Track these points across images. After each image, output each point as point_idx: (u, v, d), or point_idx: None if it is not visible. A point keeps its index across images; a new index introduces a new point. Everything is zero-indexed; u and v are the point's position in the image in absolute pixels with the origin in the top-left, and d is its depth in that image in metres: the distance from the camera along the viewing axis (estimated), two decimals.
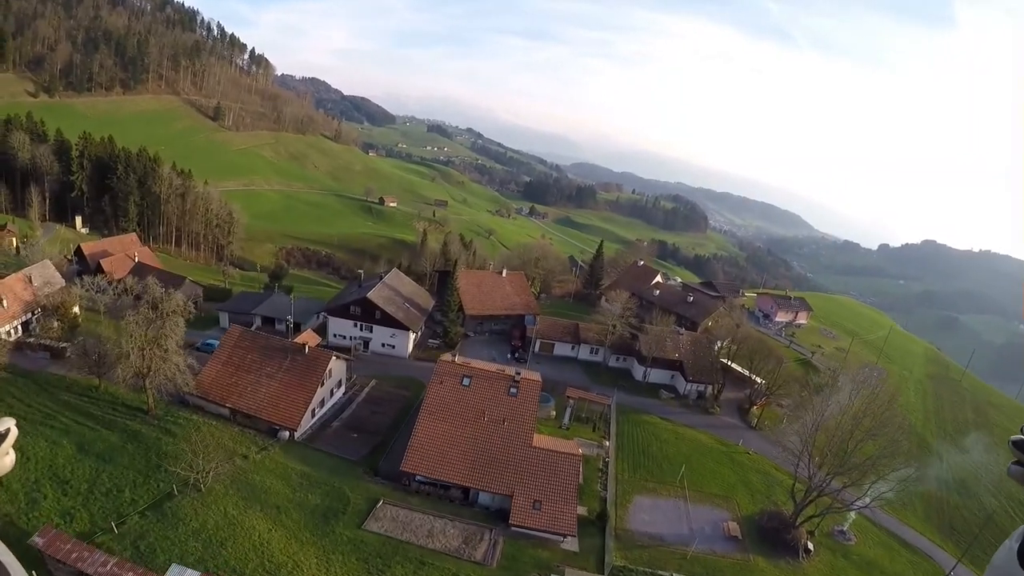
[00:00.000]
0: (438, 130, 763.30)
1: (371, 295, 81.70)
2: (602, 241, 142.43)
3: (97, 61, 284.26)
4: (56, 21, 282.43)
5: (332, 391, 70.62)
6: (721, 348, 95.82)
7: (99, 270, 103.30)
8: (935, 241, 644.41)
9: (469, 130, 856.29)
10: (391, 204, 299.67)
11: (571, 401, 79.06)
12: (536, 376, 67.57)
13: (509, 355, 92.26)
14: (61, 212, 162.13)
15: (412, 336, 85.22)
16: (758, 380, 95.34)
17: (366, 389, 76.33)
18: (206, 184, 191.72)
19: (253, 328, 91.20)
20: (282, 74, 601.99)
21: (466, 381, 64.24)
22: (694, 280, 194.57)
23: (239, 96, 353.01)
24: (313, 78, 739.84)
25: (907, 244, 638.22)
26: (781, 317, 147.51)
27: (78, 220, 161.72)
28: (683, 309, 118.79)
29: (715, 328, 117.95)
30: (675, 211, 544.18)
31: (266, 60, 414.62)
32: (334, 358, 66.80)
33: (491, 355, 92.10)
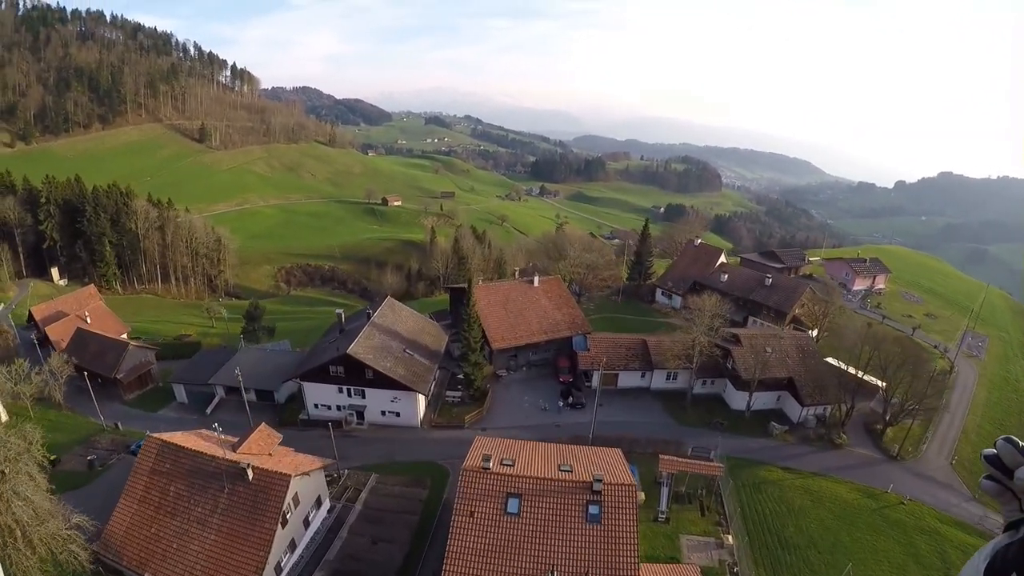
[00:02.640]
0: (436, 121, 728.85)
1: (354, 349, 53.68)
2: (647, 220, 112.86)
3: (71, 100, 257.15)
4: (24, 66, 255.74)
5: (307, 518, 43.05)
6: (861, 352, 65.55)
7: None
8: (951, 172, 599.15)
9: (467, 117, 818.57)
10: (395, 203, 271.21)
11: (666, 476, 50.95)
12: (627, 476, 39.13)
13: (561, 402, 64.04)
14: (40, 265, 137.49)
15: (422, 398, 57.93)
16: (880, 385, 66.73)
17: (363, 495, 48.28)
18: (187, 211, 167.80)
19: (215, 404, 64.63)
20: (272, 87, 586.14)
21: (512, 505, 36.03)
22: (722, 245, 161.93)
23: (224, 114, 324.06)
24: (304, 87, 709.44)
25: (923, 178, 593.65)
26: (859, 284, 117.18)
27: (54, 272, 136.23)
28: (762, 295, 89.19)
29: (807, 317, 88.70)
30: (687, 172, 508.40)
31: (249, 74, 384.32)
32: (295, 479, 38.99)
33: (535, 403, 64.01)
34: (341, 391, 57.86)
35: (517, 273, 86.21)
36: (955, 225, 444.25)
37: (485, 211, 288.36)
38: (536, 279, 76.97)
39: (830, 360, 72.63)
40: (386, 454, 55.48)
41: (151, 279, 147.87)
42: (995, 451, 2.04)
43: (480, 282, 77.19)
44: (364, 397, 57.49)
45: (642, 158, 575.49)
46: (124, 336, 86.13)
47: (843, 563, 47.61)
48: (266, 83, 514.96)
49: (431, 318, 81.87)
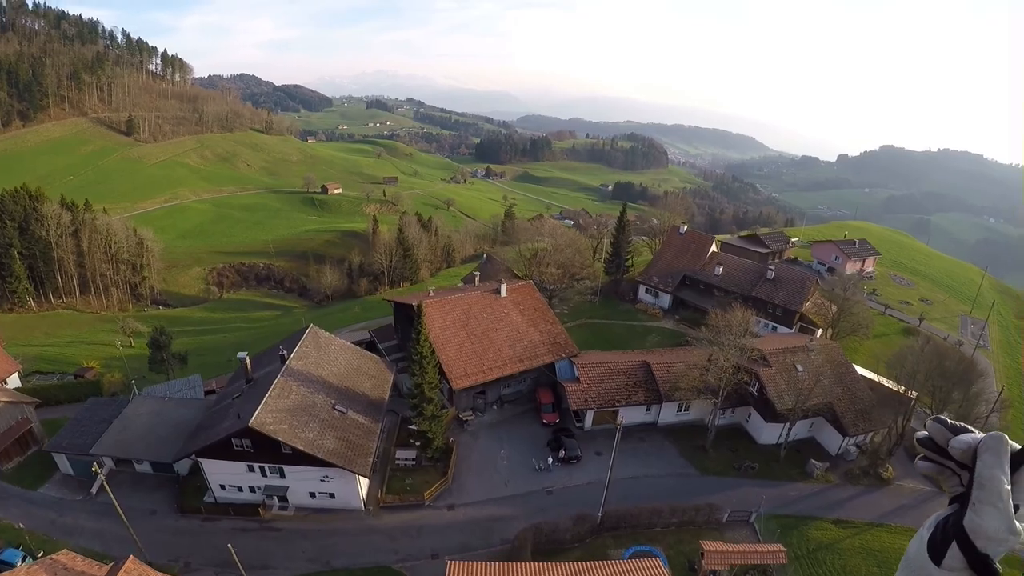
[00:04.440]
0: (378, 105, 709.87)
1: (259, 419, 37.00)
2: (625, 206, 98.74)
3: None
4: None
5: None
6: (916, 373, 53.17)
7: None
8: (893, 146, 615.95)
9: (409, 100, 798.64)
10: (335, 191, 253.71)
11: (707, 571, 37.34)
12: None
13: (551, 458, 48.98)
14: None
15: (359, 478, 41.18)
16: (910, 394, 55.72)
17: None
18: (106, 212, 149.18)
19: (101, 480, 46.80)
20: (209, 75, 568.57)
21: None
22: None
23: (154, 104, 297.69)
24: (242, 74, 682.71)
25: (866, 152, 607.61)
26: (850, 268, 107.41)
27: None
28: (766, 292, 76.58)
29: (817, 316, 77.12)
30: (633, 150, 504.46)
31: (181, 61, 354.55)
32: None
33: (516, 458, 48.66)
34: (252, 469, 41.25)
35: (477, 279, 70.06)
36: (898, 197, 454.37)
37: (430, 195, 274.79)
38: (503, 287, 61.22)
39: (859, 369, 60.96)
40: (319, 555, 39.33)
41: (68, 292, 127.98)
42: (927, 433, 2.12)
43: (432, 293, 60.99)
44: (284, 476, 41.13)
45: (588, 136, 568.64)
46: (14, 376, 67.30)
47: None
48: (203, 71, 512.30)
49: (371, 339, 65.48)
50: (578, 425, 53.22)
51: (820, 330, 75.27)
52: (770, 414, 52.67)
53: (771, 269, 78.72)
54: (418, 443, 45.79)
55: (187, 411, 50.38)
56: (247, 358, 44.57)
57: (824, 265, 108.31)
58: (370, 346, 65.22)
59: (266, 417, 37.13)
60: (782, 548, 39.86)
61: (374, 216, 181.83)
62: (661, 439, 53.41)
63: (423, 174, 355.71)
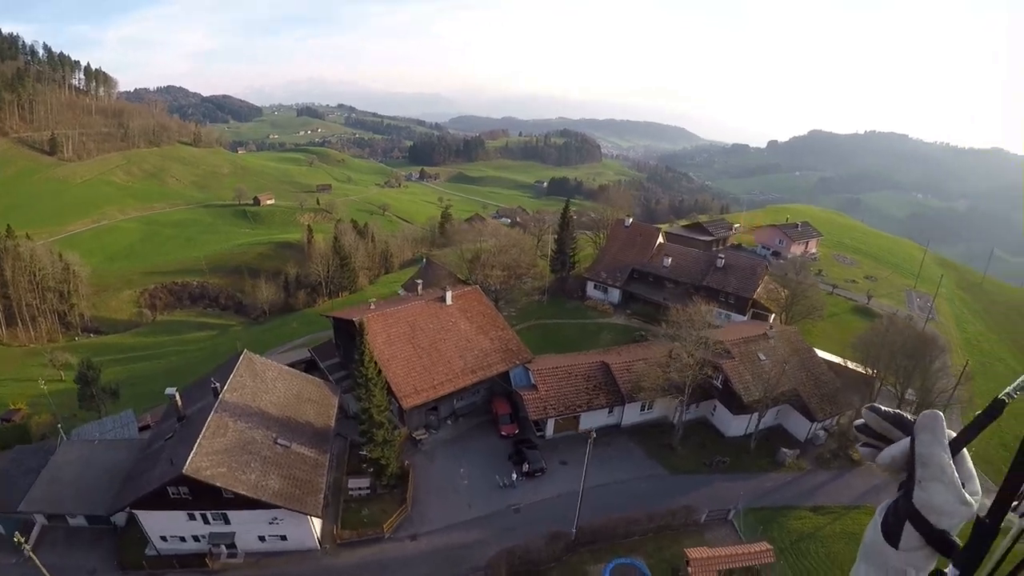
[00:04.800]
0: (308, 112, 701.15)
1: (194, 465, 32.74)
2: (567, 201, 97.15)
3: None
4: None
5: None
6: (880, 354, 53.38)
7: None
8: (821, 130, 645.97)
9: (340, 106, 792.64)
10: (268, 202, 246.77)
11: None
12: None
13: (515, 473, 46.04)
14: None
15: (311, 518, 36.99)
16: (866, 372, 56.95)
17: None
18: (29, 238, 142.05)
19: (32, 538, 41.09)
20: (135, 89, 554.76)
21: None
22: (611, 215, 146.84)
23: (77, 121, 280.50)
24: (169, 86, 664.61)
25: (794, 137, 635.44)
26: (795, 250, 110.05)
27: None
28: (717, 280, 76.59)
29: (769, 301, 77.82)
30: (567, 145, 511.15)
31: (105, 75, 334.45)
32: None
33: (477, 476, 45.78)
34: (193, 517, 36.82)
35: (420, 287, 66.61)
36: (828, 178, 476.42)
37: (365, 201, 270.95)
38: (449, 294, 58.31)
39: (820, 353, 61.41)
40: None
41: None
42: (863, 421, 2.15)
43: (373, 305, 57.22)
44: (228, 522, 36.90)
45: (520, 135, 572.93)
46: None
47: None
48: (129, 85, 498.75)
49: (312, 357, 61.14)
50: (539, 434, 50.87)
51: (773, 315, 76.04)
52: (736, 406, 51.87)
53: (720, 257, 78.84)
54: (371, 469, 42.30)
55: (120, 454, 45.08)
56: (176, 394, 39.82)
57: (768, 249, 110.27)
58: (311, 365, 60.97)
59: (201, 461, 32.96)
60: (768, 546, 38.77)
61: (309, 225, 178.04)
62: (626, 441, 51.73)
63: (357, 180, 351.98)
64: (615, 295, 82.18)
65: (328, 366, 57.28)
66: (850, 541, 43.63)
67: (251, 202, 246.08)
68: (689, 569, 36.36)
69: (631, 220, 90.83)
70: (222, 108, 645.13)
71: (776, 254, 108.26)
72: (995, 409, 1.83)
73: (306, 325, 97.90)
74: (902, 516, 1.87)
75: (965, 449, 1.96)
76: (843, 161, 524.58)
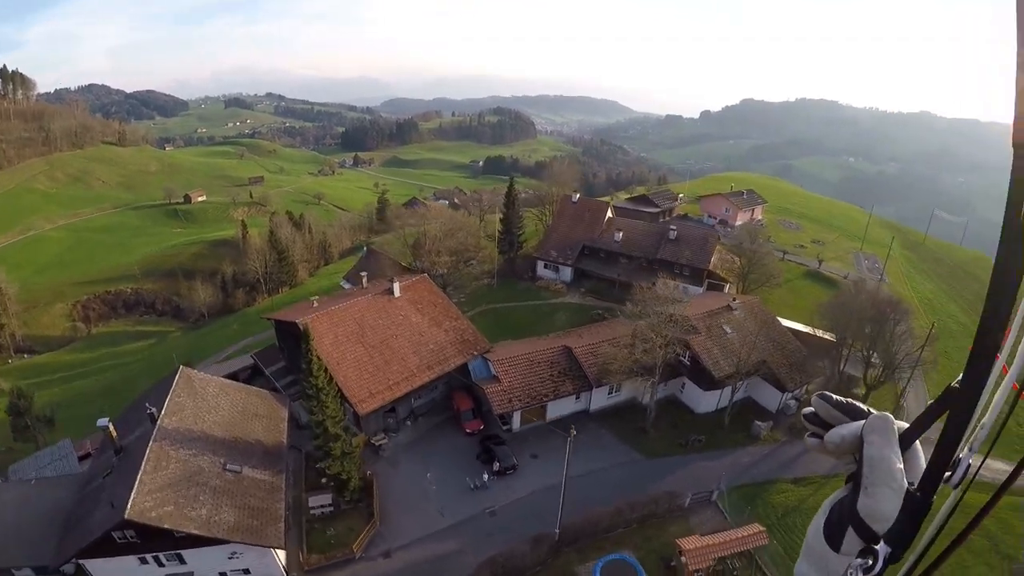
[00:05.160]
0: (237, 103, 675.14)
1: (136, 508, 28.62)
2: (512, 179, 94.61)
3: None
4: None
5: None
6: (850, 322, 53.73)
7: None
8: (752, 99, 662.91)
9: (269, 95, 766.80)
10: (199, 199, 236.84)
11: (693, 573, 34.69)
12: None
13: (486, 474, 43.32)
14: None
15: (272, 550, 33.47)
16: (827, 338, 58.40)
17: None
18: None
19: None
20: (56, 90, 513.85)
21: None
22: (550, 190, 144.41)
23: None
24: (91, 85, 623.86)
25: (727, 106, 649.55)
26: (741, 219, 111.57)
27: None
28: (671, 253, 75.90)
29: (723, 271, 78.17)
30: (501, 123, 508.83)
31: (22, 76, 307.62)
32: None
33: (446, 480, 43.12)
34: (145, 561, 32.78)
35: (365, 279, 62.65)
36: (760, 146, 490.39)
37: (299, 191, 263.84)
38: (396, 285, 55.01)
39: (784, 322, 61.71)
40: None
41: None
42: (812, 410, 2.12)
43: (315, 303, 53.25)
44: (184, 562, 33.04)
45: (454, 115, 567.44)
46: None
47: None
48: (49, 86, 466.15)
49: (255, 363, 56.74)
50: (505, 428, 48.68)
51: (729, 285, 76.40)
52: (706, 382, 51.13)
53: (672, 229, 78.36)
54: (332, 484, 39.10)
55: (60, 493, 39.84)
56: (110, 425, 35.09)
57: (715, 218, 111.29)
58: (255, 372, 56.75)
59: (144, 502, 28.99)
60: (760, 528, 38.00)
61: (242, 221, 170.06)
62: (596, 427, 50.24)
63: (289, 170, 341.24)
64: (567, 273, 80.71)
65: (274, 372, 53.30)
66: None
67: (182, 200, 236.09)
68: (685, 560, 35.24)
69: (578, 195, 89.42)
70: (147, 104, 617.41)
71: (723, 223, 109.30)
72: (947, 398, 1.75)
73: (247, 326, 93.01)
74: (845, 521, 1.79)
75: (918, 442, 1.90)
76: (775, 128, 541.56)
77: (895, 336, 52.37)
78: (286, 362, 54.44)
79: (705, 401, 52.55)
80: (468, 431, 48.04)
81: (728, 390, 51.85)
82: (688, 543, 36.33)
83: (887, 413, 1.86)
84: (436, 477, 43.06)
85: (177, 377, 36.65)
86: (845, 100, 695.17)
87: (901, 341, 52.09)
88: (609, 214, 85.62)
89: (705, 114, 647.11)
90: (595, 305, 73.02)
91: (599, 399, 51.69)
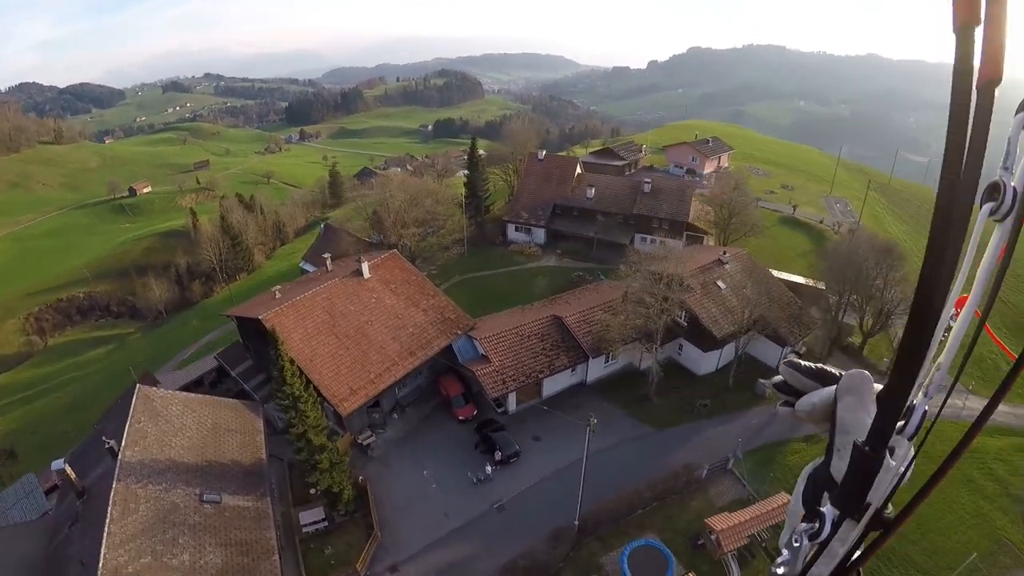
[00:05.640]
0: (174, 88, 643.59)
1: (108, 566, 22.89)
2: (474, 139, 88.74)
3: None
4: None
5: None
6: (847, 271, 51.31)
7: None
8: (699, 47, 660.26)
9: (207, 76, 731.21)
10: (145, 190, 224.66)
11: (727, 553, 32.06)
12: None
13: (489, 466, 39.30)
14: None
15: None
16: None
17: None
18: None
19: None
20: None
21: None
22: (503, 150, 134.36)
23: None
24: (21, 84, 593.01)
25: (674, 55, 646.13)
26: (709, 167, 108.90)
27: None
28: (648, 207, 72.47)
29: (704, 224, 75.20)
30: (448, 86, 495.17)
31: None
32: None
33: (449, 476, 38.93)
34: None
35: (329, 261, 56.90)
36: (711, 93, 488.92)
37: (247, 172, 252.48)
38: (365, 265, 49.92)
39: (775, 273, 59.12)
40: None
41: None
42: (781, 378, 2.04)
43: (278, 293, 47.78)
44: None
45: (398, 80, 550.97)
46: None
47: (949, 546, 35.99)
48: None
49: (220, 364, 51.19)
50: (500, 411, 44.98)
51: (707, 236, 73.63)
52: (706, 343, 48.27)
53: (647, 182, 74.80)
54: (324, 498, 34.71)
55: (27, 544, 34.26)
56: (67, 467, 29.37)
57: (682, 168, 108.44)
58: (221, 373, 51.42)
59: (117, 557, 24.04)
60: (788, 496, 35.70)
61: (191, 209, 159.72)
62: (598, 400, 46.93)
63: (235, 151, 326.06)
64: (540, 235, 76.74)
65: (241, 373, 48.08)
66: None
67: (127, 193, 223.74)
68: (718, 541, 32.56)
69: (544, 153, 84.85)
70: (81, 98, 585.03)
71: (691, 172, 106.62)
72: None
73: (207, 320, 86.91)
74: (820, 485, 1.77)
75: None
76: (724, 76, 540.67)
77: (891, 283, 50.52)
78: (253, 360, 49.25)
79: (706, 362, 49.76)
80: (461, 418, 44.12)
81: (728, 348, 49.29)
82: (719, 522, 33.76)
83: (862, 371, 1.77)
84: (434, 474, 39.18)
85: (134, 399, 31.16)
86: (793, 45, 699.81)
87: (899, 287, 50.18)
88: (578, 170, 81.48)
89: (653, 64, 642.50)
90: (574, 267, 69.50)
91: (596, 369, 48.32)
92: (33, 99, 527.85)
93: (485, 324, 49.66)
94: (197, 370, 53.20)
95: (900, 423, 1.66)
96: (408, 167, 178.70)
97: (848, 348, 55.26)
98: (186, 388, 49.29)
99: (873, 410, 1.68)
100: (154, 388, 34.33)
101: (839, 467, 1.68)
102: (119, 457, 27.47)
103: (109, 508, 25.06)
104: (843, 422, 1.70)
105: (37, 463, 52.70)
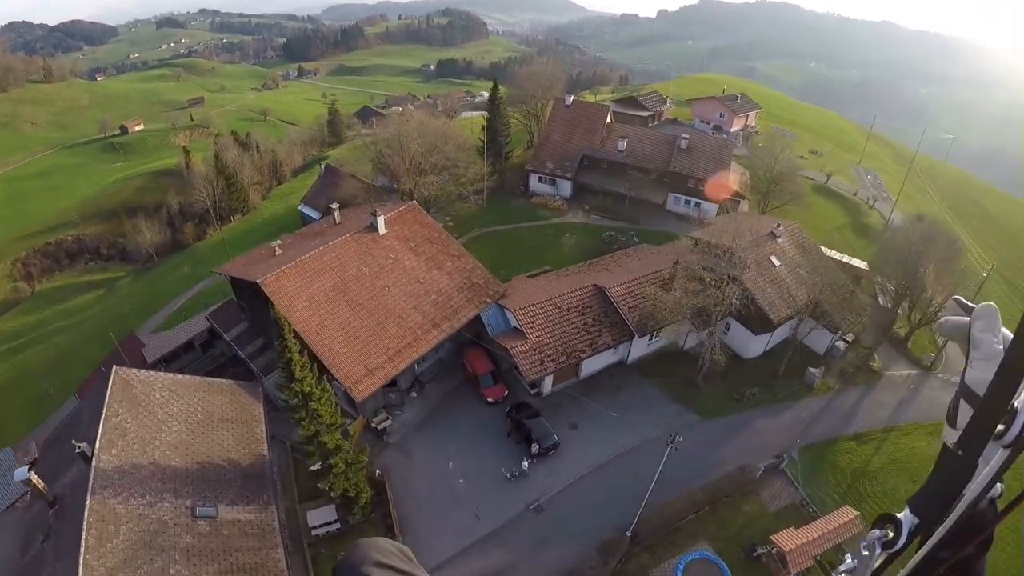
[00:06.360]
0: (169, 23, 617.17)
1: None
2: (495, 82, 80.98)
3: None
4: None
5: None
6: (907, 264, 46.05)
7: None
8: None
9: (203, 11, 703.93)
10: (136, 128, 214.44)
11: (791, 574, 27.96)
12: None
13: (526, 460, 34.15)
14: None
15: None
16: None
17: None
18: None
19: None
20: None
21: None
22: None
23: None
24: (11, 23, 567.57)
25: (685, 6, 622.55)
26: (736, 125, 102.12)
27: None
28: (684, 165, 66.23)
29: (742, 187, 69.10)
30: (451, 25, 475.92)
31: None
32: None
33: (477, 467, 33.85)
34: None
35: (337, 214, 49.87)
36: (721, 47, 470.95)
37: (243, 109, 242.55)
38: (380, 219, 43.85)
39: (826, 251, 53.81)
40: None
41: None
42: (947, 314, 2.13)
43: (279, 251, 41.49)
44: None
45: (401, 18, 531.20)
46: None
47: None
48: None
49: (212, 326, 45.55)
50: (534, 392, 40.11)
51: (744, 201, 67.93)
52: (759, 325, 43.27)
53: (684, 137, 68.39)
54: (335, 496, 29.75)
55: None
56: (32, 475, 23.46)
57: (708, 124, 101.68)
58: (212, 335, 45.97)
59: None
60: (855, 514, 31.38)
61: (184, 147, 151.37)
62: (639, 381, 42.02)
63: (231, 88, 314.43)
64: (566, 188, 70.40)
65: (235, 336, 42.51)
66: (900, 472, 37.87)
67: (118, 132, 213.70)
68: (778, 556, 28.56)
69: (572, 98, 77.74)
70: (73, 35, 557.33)
71: (718, 128, 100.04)
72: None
73: (199, 266, 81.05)
74: (957, 395, 1.85)
75: None
76: (734, 30, 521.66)
77: (954, 275, 45.77)
78: (249, 321, 43.62)
79: (754, 345, 44.89)
80: (488, 399, 39.10)
81: (778, 332, 44.43)
82: (786, 540, 29.54)
83: (992, 303, 1.89)
84: (461, 466, 34.34)
85: (111, 385, 25.55)
86: (808, 4, 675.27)
87: (960, 279, 45.45)
88: (608, 119, 74.93)
89: (662, 13, 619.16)
90: (604, 225, 63.79)
91: (639, 348, 43.25)
92: (23, 38, 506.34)
93: (515, 291, 44.22)
94: (186, 331, 47.42)
95: (1000, 427, 1.62)
96: (411, 107, 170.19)
97: (892, 338, 50.48)
98: (174, 353, 43.98)
99: (998, 332, 1.79)
100: (134, 370, 28.17)
101: (975, 376, 1.73)
102: (92, 465, 22.05)
103: (84, 532, 19.87)
104: (975, 340, 1.80)
105: (18, 431, 47.79)
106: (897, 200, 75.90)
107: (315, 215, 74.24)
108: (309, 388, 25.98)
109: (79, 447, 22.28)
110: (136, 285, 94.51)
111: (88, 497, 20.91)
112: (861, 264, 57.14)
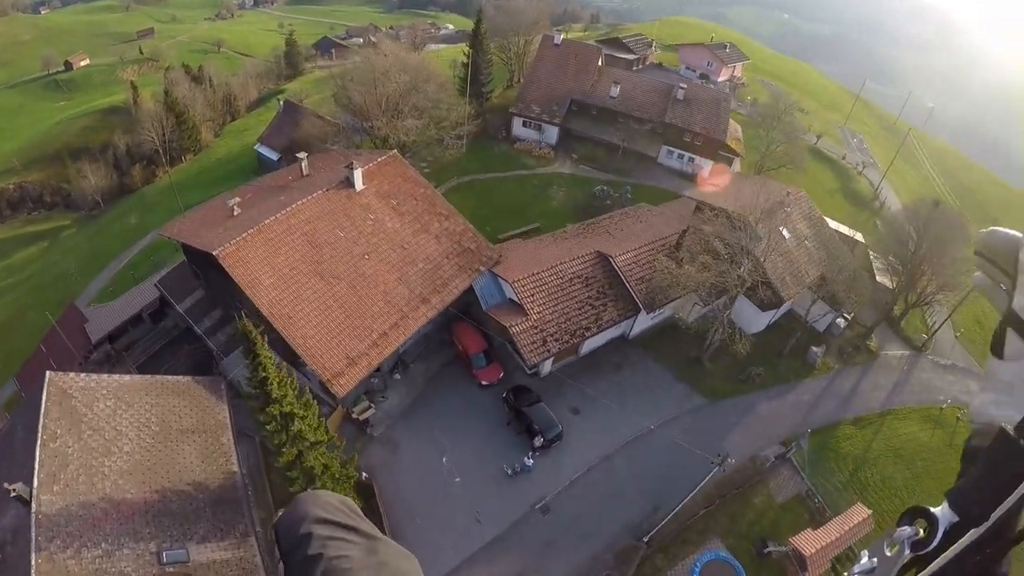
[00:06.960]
0: None
1: None
2: (480, 16, 72.72)
3: None
4: None
5: None
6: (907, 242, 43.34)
7: None
8: None
9: None
10: (82, 63, 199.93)
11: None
12: None
13: (529, 455, 30.95)
14: None
15: None
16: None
17: None
18: None
19: None
20: None
21: None
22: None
23: None
24: None
25: None
26: (724, 75, 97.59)
27: None
28: (680, 116, 61.73)
29: (735, 144, 65.27)
30: None
31: None
32: None
33: (473, 463, 30.52)
34: None
35: (305, 165, 43.08)
36: None
37: (195, 40, 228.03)
38: (358, 173, 38.22)
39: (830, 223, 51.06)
40: None
41: None
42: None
43: (237, 210, 34.55)
44: None
45: None
46: None
47: None
48: None
49: (163, 295, 39.72)
50: (531, 372, 36.56)
51: (737, 160, 64.43)
52: (767, 301, 40.49)
53: (682, 87, 63.59)
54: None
55: None
56: None
57: (695, 71, 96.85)
58: (164, 303, 40.31)
59: None
60: (868, 512, 29.80)
61: (132, 82, 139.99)
62: (642, 358, 38.91)
63: (182, 17, 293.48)
64: (552, 134, 64.97)
65: (189, 308, 37.07)
66: (897, 460, 36.77)
67: (62, 68, 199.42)
68: (797, 559, 26.83)
69: (561, 37, 71.58)
70: None
71: (704, 76, 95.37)
72: None
73: (148, 213, 74.08)
74: (1002, 325, 1.79)
75: None
76: None
77: (960, 260, 43.69)
78: (205, 290, 38.20)
79: (758, 321, 42.20)
80: (482, 381, 35.38)
81: (806, 311, 41.97)
82: (806, 544, 27.64)
83: None
84: (455, 462, 30.82)
85: (45, 396, 20.10)
86: None
87: (962, 264, 43.61)
88: (599, 62, 69.57)
89: None
90: (595, 177, 59.60)
91: (642, 322, 39.96)
92: None
93: (511, 258, 39.83)
94: (135, 302, 41.48)
95: None
96: (372, 39, 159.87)
97: (888, 317, 48.81)
98: (122, 328, 38.45)
99: None
100: (72, 375, 22.43)
101: (1021, 300, 1.70)
102: (32, 510, 17.52)
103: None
104: (1022, 265, 1.75)
105: None
106: (887, 172, 73.20)
107: (273, 156, 68.00)
108: (290, 408, 21.50)
109: (13, 490, 17.59)
110: (80, 237, 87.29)
111: (33, 556, 16.49)
112: (858, 236, 55.07)
